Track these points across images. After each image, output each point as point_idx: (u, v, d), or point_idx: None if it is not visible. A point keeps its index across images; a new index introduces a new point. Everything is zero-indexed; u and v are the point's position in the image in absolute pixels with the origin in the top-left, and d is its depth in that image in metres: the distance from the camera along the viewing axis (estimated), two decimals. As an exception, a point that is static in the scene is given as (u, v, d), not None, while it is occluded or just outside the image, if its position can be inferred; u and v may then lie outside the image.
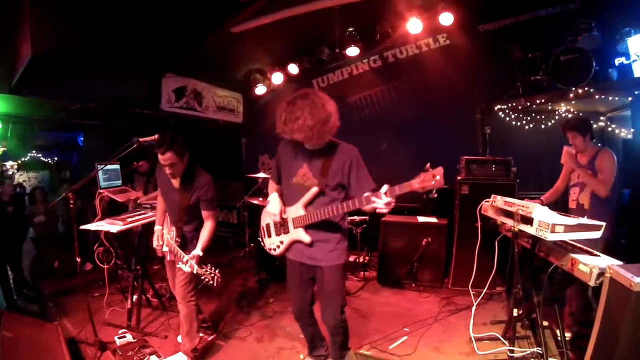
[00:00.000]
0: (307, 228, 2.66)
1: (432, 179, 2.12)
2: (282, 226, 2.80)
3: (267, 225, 2.93)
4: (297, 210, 2.67)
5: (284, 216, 2.77)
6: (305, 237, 2.66)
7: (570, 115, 5.54)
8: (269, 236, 2.92)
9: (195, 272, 2.94)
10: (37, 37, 4.01)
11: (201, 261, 3.05)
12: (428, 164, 2.19)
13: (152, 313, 4.45)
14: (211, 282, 2.84)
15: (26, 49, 4.12)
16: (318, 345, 3.13)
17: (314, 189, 2.59)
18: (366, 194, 2.32)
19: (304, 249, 2.71)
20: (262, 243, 3.06)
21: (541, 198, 3.84)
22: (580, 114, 5.19)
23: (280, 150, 2.86)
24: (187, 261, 3.01)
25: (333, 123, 2.46)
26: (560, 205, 3.86)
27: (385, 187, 2.26)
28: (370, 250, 5.78)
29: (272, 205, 2.81)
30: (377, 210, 2.35)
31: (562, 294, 3.63)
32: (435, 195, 2.21)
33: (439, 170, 2.12)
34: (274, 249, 2.89)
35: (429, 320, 4.15)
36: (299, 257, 2.77)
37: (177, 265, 3.14)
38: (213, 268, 2.89)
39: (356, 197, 2.42)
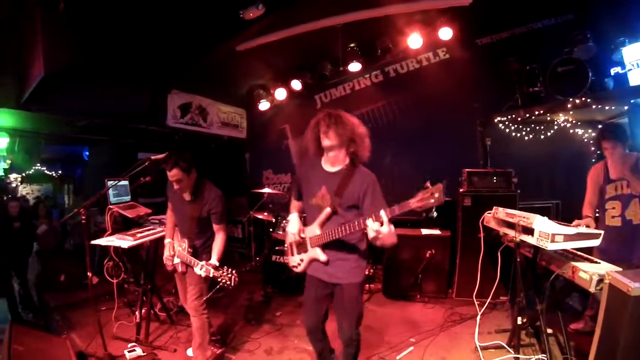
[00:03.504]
0: (327, 247, 2.72)
1: (430, 197, 2.12)
2: (301, 245, 2.87)
3: (291, 244, 3.00)
4: (313, 230, 2.75)
5: (302, 235, 2.84)
6: (322, 256, 2.72)
7: (568, 125, 5.63)
8: (292, 254, 2.99)
9: (212, 275, 2.99)
10: (49, 56, 4.10)
11: (221, 262, 3.14)
12: (428, 182, 2.20)
13: (160, 327, 4.48)
14: (228, 282, 2.89)
15: (38, 67, 4.21)
16: (327, 358, 3.17)
17: (327, 210, 2.66)
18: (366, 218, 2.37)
19: (323, 266, 2.77)
20: (286, 261, 3.15)
21: (589, 215, 3.65)
22: (612, 122, 5.16)
23: (300, 171, 2.99)
24: (202, 265, 3.06)
25: (367, 147, 2.69)
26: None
27: (383, 213, 2.28)
28: (375, 263, 5.81)
29: (292, 225, 2.91)
30: (374, 235, 2.35)
31: (566, 302, 3.69)
32: (435, 215, 2.25)
33: (438, 187, 2.12)
34: (296, 267, 2.96)
35: (434, 330, 4.19)
36: (317, 273, 2.83)
37: (195, 270, 3.16)
38: (230, 269, 2.94)
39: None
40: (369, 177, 2.66)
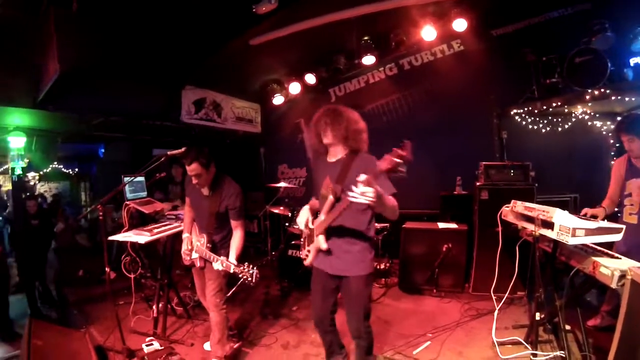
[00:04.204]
0: (332, 237, 2.72)
1: (397, 156, 2.17)
2: (310, 236, 2.88)
3: (304, 237, 3.02)
4: (319, 219, 2.76)
5: (310, 226, 2.86)
6: (323, 244, 2.69)
7: (586, 117, 5.53)
8: (304, 247, 3.01)
9: (232, 271, 2.99)
10: (64, 55, 4.13)
11: (239, 260, 3.13)
12: (402, 142, 2.24)
13: (177, 321, 4.53)
14: (249, 279, 2.88)
15: (53, 66, 4.25)
16: (336, 352, 3.16)
17: (330, 198, 2.68)
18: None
19: (328, 258, 2.76)
20: (300, 254, 3.15)
21: (603, 206, 3.64)
22: (631, 113, 4.96)
23: (312, 167, 3.04)
24: (222, 261, 3.06)
25: (364, 141, 2.76)
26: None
27: (362, 176, 2.23)
28: (391, 257, 5.79)
29: (300, 217, 2.95)
30: (355, 201, 2.28)
31: (583, 297, 3.61)
32: (403, 170, 2.22)
33: (406, 145, 2.19)
34: (305, 259, 2.96)
35: (451, 325, 4.16)
36: (324, 266, 2.83)
37: (213, 265, 3.16)
38: (250, 265, 2.93)
39: None
40: (368, 159, 2.67)
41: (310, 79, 7.05)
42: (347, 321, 2.88)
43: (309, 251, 2.89)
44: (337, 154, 2.79)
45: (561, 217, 2.80)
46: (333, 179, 2.71)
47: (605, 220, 3.08)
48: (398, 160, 2.16)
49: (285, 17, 5.14)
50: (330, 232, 2.70)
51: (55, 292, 5.74)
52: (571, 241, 2.68)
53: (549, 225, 2.91)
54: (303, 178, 8.08)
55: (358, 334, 2.87)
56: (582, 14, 5.40)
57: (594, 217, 3.37)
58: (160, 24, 4.63)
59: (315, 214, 2.93)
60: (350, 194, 2.27)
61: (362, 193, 2.22)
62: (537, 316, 3.26)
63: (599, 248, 2.90)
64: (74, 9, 4.04)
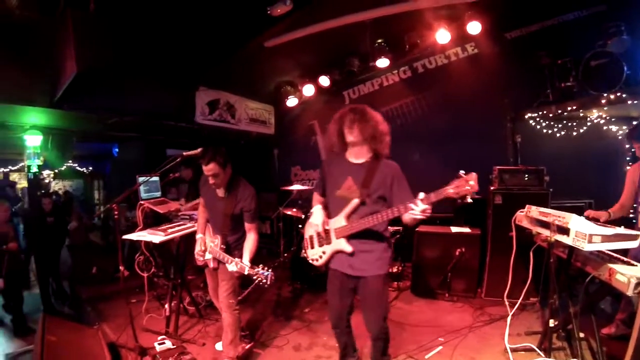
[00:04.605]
0: (351, 238, 2.72)
1: (465, 184, 2.17)
2: (324, 237, 2.87)
3: (311, 237, 3.00)
4: (339, 221, 2.75)
5: (326, 227, 2.85)
6: (347, 247, 2.72)
7: (602, 121, 5.47)
8: (312, 247, 2.99)
9: (246, 273, 2.99)
10: (81, 55, 4.18)
11: (252, 262, 3.13)
12: (462, 171, 2.23)
13: (188, 320, 4.56)
14: (264, 281, 2.88)
15: (70, 67, 4.30)
16: (349, 354, 3.17)
17: (355, 201, 2.67)
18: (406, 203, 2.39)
19: (347, 259, 2.77)
20: (305, 254, 3.12)
21: (609, 211, 3.65)
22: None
23: (326, 165, 2.99)
24: (237, 262, 3.06)
25: (387, 144, 2.74)
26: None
27: (421, 195, 2.32)
28: (404, 261, 5.76)
29: (315, 217, 2.91)
30: (412, 217, 2.39)
31: (597, 305, 3.56)
32: (470, 201, 2.23)
33: (473, 175, 2.17)
34: (317, 260, 2.95)
35: (463, 330, 4.13)
36: (341, 267, 2.83)
37: (228, 267, 3.17)
38: (265, 267, 2.94)
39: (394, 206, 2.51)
40: (394, 168, 2.72)
41: (324, 81, 7.06)
42: (366, 322, 2.88)
43: (323, 252, 2.89)
44: (360, 155, 2.77)
45: (577, 223, 2.77)
46: (358, 182, 2.70)
47: (623, 227, 3.04)
48: (467, 190, 2.18)
49: (300, 19, 5.16)
50: (353, 234, 2.72)
51: (68, 289, 5.81)
52: (587, 247, 2.65)
53: (564, 231, 2.89)
54: (316, 180, 8.01)
55: (377, 334, 2.88)
56: (598, 16, 5.32)
57: (596, 219, 3.38)
58: (176, 26, 4.67)
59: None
60: (409, 212, 2.36)
61: (422, 211, 2.30)
62: (551, 323, 3.23)
63: (615, 255, 2.87)
64: (90, 10, 4.09)
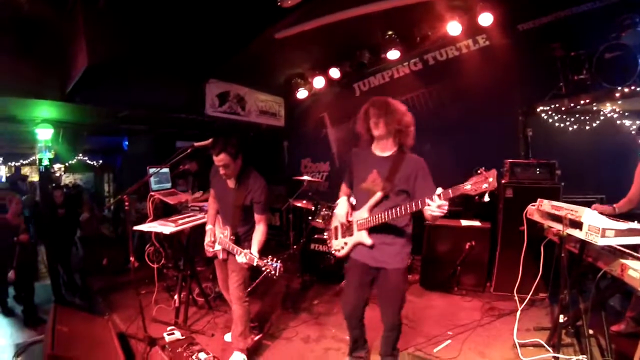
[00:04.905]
0: (373, 231, 2.75)
1: (484, 181, 2.13)
2: (347, 228, 2.91)
3: (336, 228, 3.05)
4: (361, 214, 2.78)
5: (350, 219, 2.88)
6: (367, 240, 2.75)
7: (615, 115, 5.37)
8: (336, 238, 3.03)
9: (255, 264, 2.99)
10: (91, 49, 4.19)
11: (260, 254, 3.13)
12: (482, 168, 2.19)
13: (197, 311, 4.59)
14: (272, 272, 2.88)
15: (81, 60, 4.32)
16: (360, 347, 3.19)
17: (378, 194, 2.69)
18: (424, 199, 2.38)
19: (369, 250, 2.79)
20: (329, 244, 3.17)
21: (614, 206, 3.65)
22: None
23: (353, 158, 3.01)
24: (246, 253, 3.05)
25: (412, 136, 2.74)
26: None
27: (439, 190, 2.31)
28: (413, 254, 5.74)
29: (340, 208, 2.96)
30: (429, 213, 2.38)
31: (607, 302, 3.51)
32: (488, 199, 2.19)
33: (492, 172, 2.14)
34: (339, 250, 3.00)
35: (472, 324, 4.12)
36: (363, 257, 2.85)
37: (237, 258, 3.15)
38: (274, 258, 2.93)
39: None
40: (419, 162, 2.72)
41: (335, 73, 7.01)
42: (383, 314, 2.91)
43: (345, 243, 2.93)
44: (386, 148, 2.79)
45: (590, 217, 2.73)
46: (383, 175, 2.72)
47: (636, 222, 2.99)
48: (485, 188, 2.14)
49: (310, 10, 5.11)
50: (373, 227, 2.73)
51: (79, 280, 5.89)
52: (600, 242, 2.61)
53: (577, 225, 2.85)
54: (326, 172, 8.08)
55: (393, 326, 2.92)
56: (612, 7, 5.16)
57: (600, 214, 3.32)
58: (185, 18, 4.66)
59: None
60: (426, 207, 2.35)
61: (439, 206, 2.28)
62: (561, 318, 3.20)
63: (627, 250, 2.82)
64: (100, 4, 4.10)
